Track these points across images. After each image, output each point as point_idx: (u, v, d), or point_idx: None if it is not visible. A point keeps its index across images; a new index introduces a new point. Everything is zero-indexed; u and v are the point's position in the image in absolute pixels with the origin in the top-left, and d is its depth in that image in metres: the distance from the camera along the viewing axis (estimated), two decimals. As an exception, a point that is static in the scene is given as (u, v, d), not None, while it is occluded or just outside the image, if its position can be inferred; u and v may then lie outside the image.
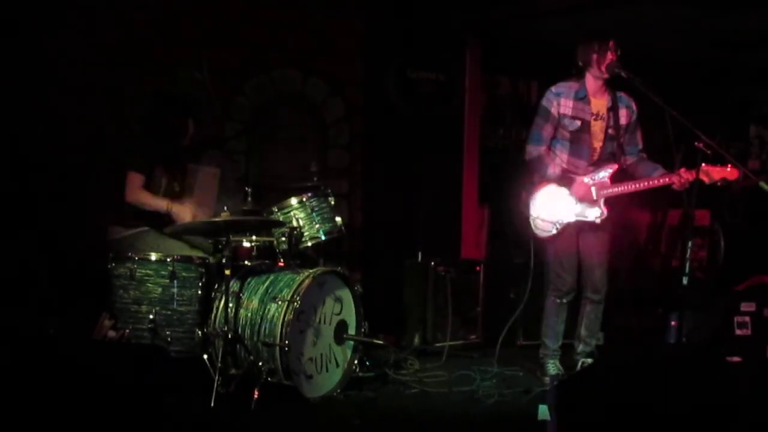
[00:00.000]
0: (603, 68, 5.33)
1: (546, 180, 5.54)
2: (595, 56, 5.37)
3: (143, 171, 5.30)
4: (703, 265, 7.05)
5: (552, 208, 5.51)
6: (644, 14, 6.86)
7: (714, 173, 5.08)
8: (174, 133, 5.46)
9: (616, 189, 5.41)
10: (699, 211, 6.86)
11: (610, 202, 5.49)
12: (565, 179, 5.49)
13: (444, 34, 7.52)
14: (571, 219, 5.48)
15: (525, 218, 5.61)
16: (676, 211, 7.09)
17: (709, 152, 4.94)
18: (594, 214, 5.46)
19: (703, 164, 5.03)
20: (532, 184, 5.62)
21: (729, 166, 5.10)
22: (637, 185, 5.38)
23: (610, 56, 5.32)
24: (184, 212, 5.31)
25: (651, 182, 5.34)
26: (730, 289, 6.21)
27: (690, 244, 5.20)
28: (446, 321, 6.56)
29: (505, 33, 7.71)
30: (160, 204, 5.30)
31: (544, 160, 5.54)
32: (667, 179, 5.25)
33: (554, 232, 5.52)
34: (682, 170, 5.17)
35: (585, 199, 5.45)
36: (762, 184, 5.00)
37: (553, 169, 5.52)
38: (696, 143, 4.93)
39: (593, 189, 5.44)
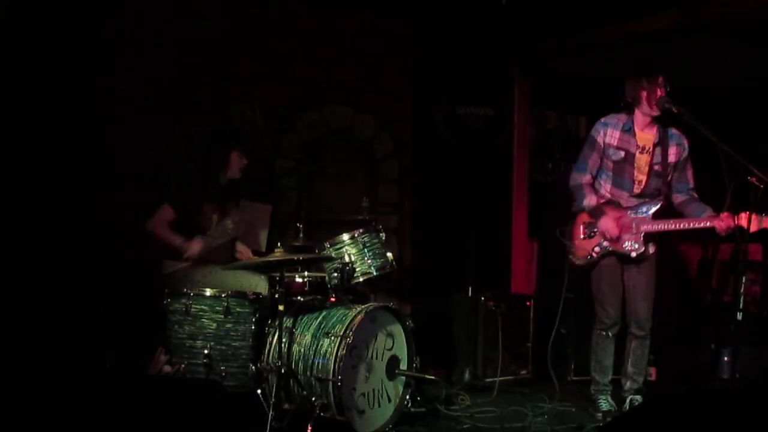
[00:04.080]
0: (653, 105, 5.34)
1: (578, 210, 5.63)
2: (644, 93, 5.39)
3: (177, 209, 5.40)
4: (756, 300, 6.97)
5: (590, 236, 5.58)
6: (696, 46, 6.84)
7: (759, 221, 5.02)
8: (222, 165, 5.54)
9: (657, 226, 5.41)
10: (751, 245, 6.78)
11: (651, 238, 5.50)
12: (598, 212, 5.52)
13: (492, 69, 7.56)
14: (608, 247, 5.49)
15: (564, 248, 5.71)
16: (727, 245, 7.04)
17: (762, 186, 4.91)
18: (632, 247, 5.45)
19: (747, 212, 5.02)
20: (569, 216, 5.70)
21: None
22: (679, 224, 5.38)
23: (659, 92, 5.33)
24: (194, 248, 5.40)
25: (693, 223, 5.33)
26: (784, 324, 6.14)
27: (743, 279, 5.16)
28: (497, 356, 6.54)
29: (553, 68, 7.73)
30: (175, 241, 5.40)
31: (583, 189, 5.61)
32: (709, 222, 5.24)
33: (589, 259, 5.57)
34: (725, 215, 5.16)
35: (619, 232, 5.44)
36: (816, 219, 4.96)
37: (589, 201, 5.56)
38: (749, 177, 4.90)
39: (634, 223, 5.44)
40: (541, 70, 7.73)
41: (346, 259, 5.41)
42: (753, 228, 5.01)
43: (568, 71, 7.77)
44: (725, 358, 6.48)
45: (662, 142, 5.48)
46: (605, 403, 5.65)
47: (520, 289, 7.51)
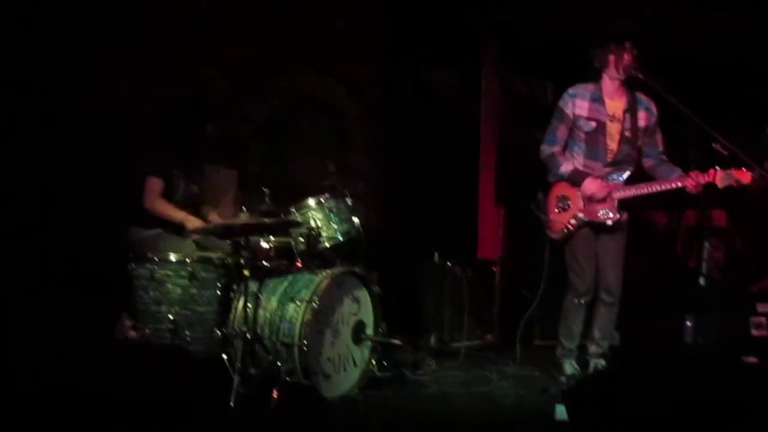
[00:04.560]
0: (620, 70, 5.35)
1: (558, 180, 5.60)
2: (612, 57, 5.39)
3: (162, 176, 5.35)
4: (719, 266, 7.04)
5: (564, 209, 5.56)
6: (663, 14, 6.85)
7: (726, 176, 5.08)
8: (194, 137, 5.49)
9: (630, 191, 5.42)
10: (715, 212, 6.85)
11: (625, 205, 5.51)
12: (578, 176, 5.49)
13: (461, 34, 7.53)
14: (583, 218, 5.50)
15: (540, 221, 5.69)
16: (692, 211, 7.10)
17: (726, 153, 4.94)
18: (606, 215, 5.47)
19: (717, 168, 5.06)
20: (547, 187, 5.68)
21: (742, 169, 5.10)
22: (651, 188, 5.38)
23: (627, 58, 5.34)
24: (196, 223, 5.35)
25: (664, 185, 5.34)
26: (746, 290, 6.21)
27: (707, 245, 5.21)
28: (463, 321, 6.58)
29: (521, 33, 7.71)
30: (176, 216, 5.34)
31: (556, 158, 5.58)
32: (680, 182, 5.26)
33: (566, 232, 5.56)
34: (694, 173, 5.18)
35: (598, 196, 5.45)
36: (779, 185, 5.02)
37: (566, 167, 5.54)
38: (713, 144, 4.93)
39: (608, 191, 5.46)
40: (510, 35, 7.71)
41: (312, 224, 5.40)
42: (720, 184, 5.07)
43: (536, 37, 7.75)
44: (688, 324, 6.55)
45: (631, 109, 5.49)
46: (570, 366, 5.69)
47: (486, 255, 7.53)
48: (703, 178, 5.15)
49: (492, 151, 7.77)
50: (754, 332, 6.02)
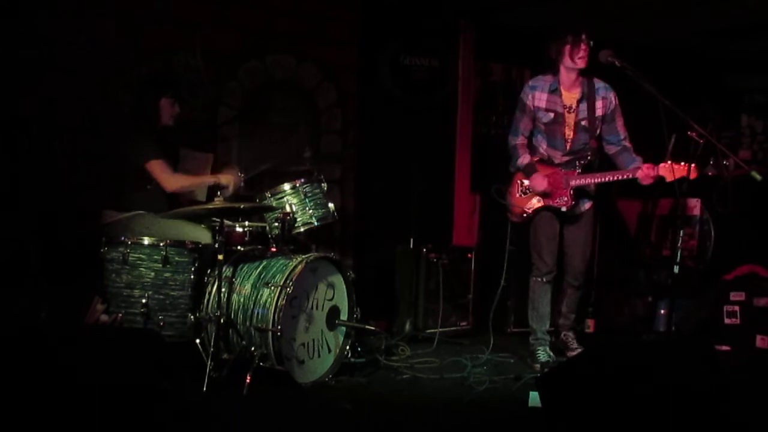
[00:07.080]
0: (575, 59, 5.44)
1: (515, 170, 5.76)
2: (567, 47, 5.48)
3: (160, 156, 5.29)
4: (693, 255, 7.07)
5: (525, 193, 5.72)
6: (638, 1, 6.87)
7: (675, 171, 5.14)
8: (158, 113, 5.43)
9: (584, 180, 5.56)
10: (690, 200, 6.90)
11: (584, 194, 5.67)
12: (529, 170, 5.64)
13: (438, 20, 7.52)
14: (538, 206, 5.65)
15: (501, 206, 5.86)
16: (666, 200, 7.12)
17: (701, 141, 4.97)
18: (562, 202, 5.59)
19: (668, 162, 5.16)
20: (508, 174, 5.83)
21: (692, 165, 5.13)
22: (605, 177, 5.53)
23: (583, 46, 5.43)
24: (228, 178, 5.41)
25: (617, 175, 5.49)
26: (719, 278, 6.25)
27: (681, 233, 5.24)
28: (437, 307, 6.58)
29: (498, 19, 7.70)
30: (206, 180, 5.36)
31: (517, 150, 5.73)
32: (632, 174, 5.40)
33: (525, 216, 5.73)
34: (645, 166, 5.32)
35: (550, 188, 5.58)
36: (753, 173, 5.03)
37: (522, 160, 5.69)
38: (688, 132, 4.96)
39: (564, 178, 5.57)
40: (486, 22, 7.69)
41: (288, 209, 5.38)
42: (669, 178, 5.18)
43: (513, 23, 7.74)
44: (662, 311, 6.60)
45: (587, 98, 5.60)
46: (544, 354, 5.73)
47: (461, 242, 7.53)
48: (652, 171, 5.28)
49: (468, 137, 7.75)
50: (727, 321, 6.05)
